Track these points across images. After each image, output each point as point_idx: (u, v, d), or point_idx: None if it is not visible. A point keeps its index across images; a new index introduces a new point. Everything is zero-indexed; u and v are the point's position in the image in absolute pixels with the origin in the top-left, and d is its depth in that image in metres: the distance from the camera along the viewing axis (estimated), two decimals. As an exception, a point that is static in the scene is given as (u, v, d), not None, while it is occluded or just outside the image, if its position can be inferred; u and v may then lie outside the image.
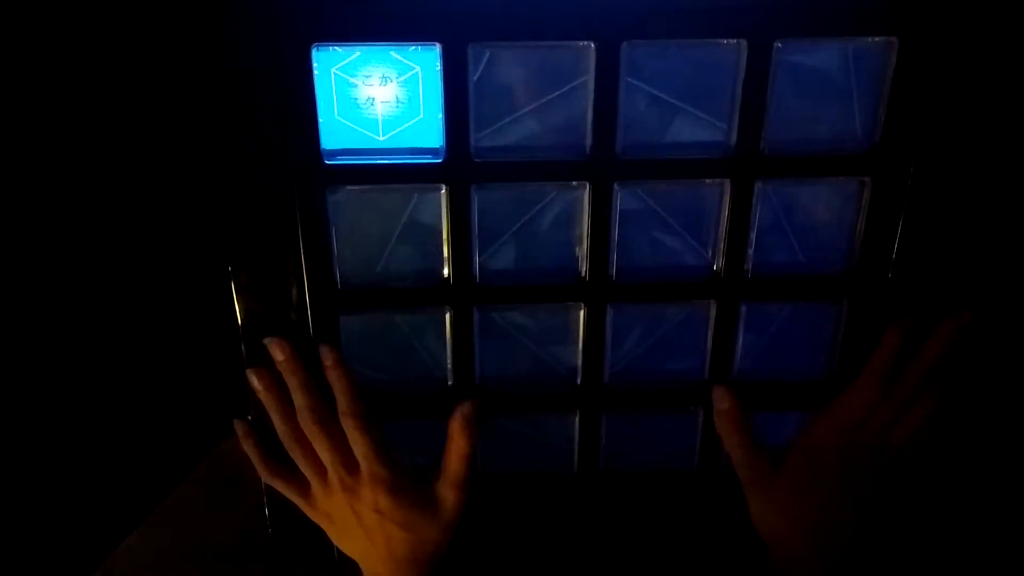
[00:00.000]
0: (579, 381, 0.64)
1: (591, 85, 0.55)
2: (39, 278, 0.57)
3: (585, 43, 0.54)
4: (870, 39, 0.55)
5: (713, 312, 0.62)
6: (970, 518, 0.70)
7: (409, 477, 0.59)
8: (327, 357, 0.59)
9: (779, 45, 0.54)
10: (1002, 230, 0.59)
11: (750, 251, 0.60)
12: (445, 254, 0.59)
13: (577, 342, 0.63)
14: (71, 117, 0.56)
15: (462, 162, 0.56)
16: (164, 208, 0.63)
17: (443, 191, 0.58)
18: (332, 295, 0.60)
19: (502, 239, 0.60)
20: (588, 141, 0.56)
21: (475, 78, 0.55)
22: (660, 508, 0.69)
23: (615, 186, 0.58)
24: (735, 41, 0.54)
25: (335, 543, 0.63)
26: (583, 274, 0.60)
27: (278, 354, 0.59)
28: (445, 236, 0.59)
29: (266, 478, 0.62)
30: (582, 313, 0.62)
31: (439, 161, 0.57)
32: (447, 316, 0.62)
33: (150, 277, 0.63)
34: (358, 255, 0.60)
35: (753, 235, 0.60)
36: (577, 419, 0.66)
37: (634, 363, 0.64)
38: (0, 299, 0.55)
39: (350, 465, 0.58)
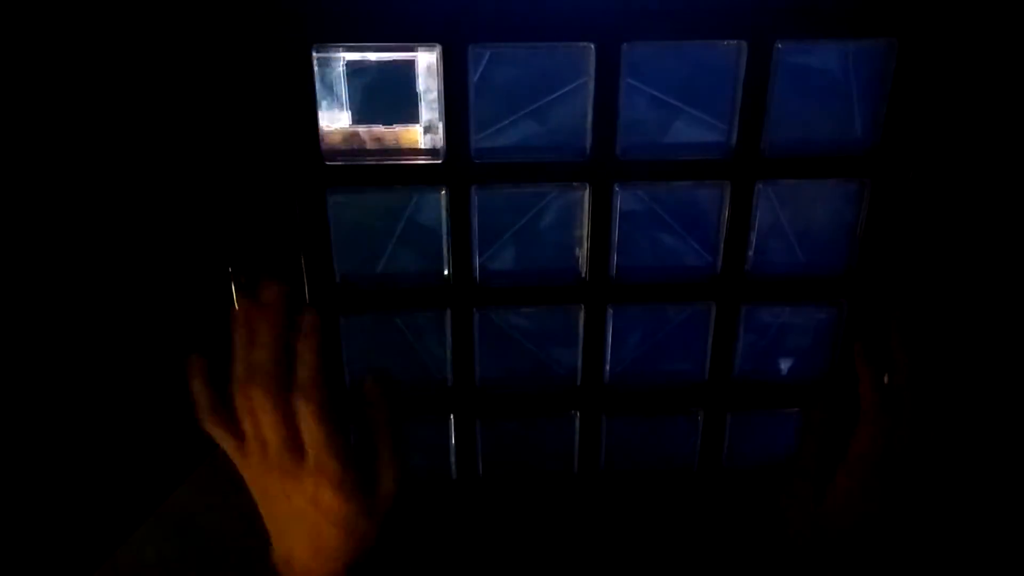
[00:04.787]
0: (579, 382, 0.64)
1: (591, 86, 0.55)
2: (39, 279, 0.57)
3: (585, 44, 0.54)
4: (870, 40, 0.55)
5: (713, 313, 0.62)
6: (969, 516, 0.70)
7: (354, 468, 0.53)
8: (307, 322, 0.52)
9: (779, 46, 0.54)
10: (1001, 230, 0.59)
11: (750, 252, 0.60)
12: (445, 255, 0.59)
13: (577, 343, 0.63)
14: (71, 118, 0.56)
15: (462, 163, 0.56)
16: (164, 209, 0.62)
17: (443, 192, 0.58)
18: (332, 295, 0.60)
19: (502, 240, 0.60)
20: (588, 142, 0.56)
21: (475, 79, 0.55)
22: (660, 508, 0.69)
23: (615, 187, 0.58)
24: (735, 42, 0.54)
25: (258, 508, 0.56)
26: (583, 275, 0.60)
27: (269, 294, 0.53)
28: (445, 237, 0.59)
29: (205, 423, 0.54)
30: (582, 314, 0.62)
31: (439, 162, 0.57)
32: (447, 317, 0.62)
33: (150, 278, 0.63)
34: (358, 256, 0.60)
35: (753, 236, 0.60)
36: (577, 420, 0.66)
37: (634, 364, 0.64)
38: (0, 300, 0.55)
39: (295, 449, 0.52)
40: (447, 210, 0.58)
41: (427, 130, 0.57)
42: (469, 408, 0.65)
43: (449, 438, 0.66)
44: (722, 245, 0.60)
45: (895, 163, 0.57)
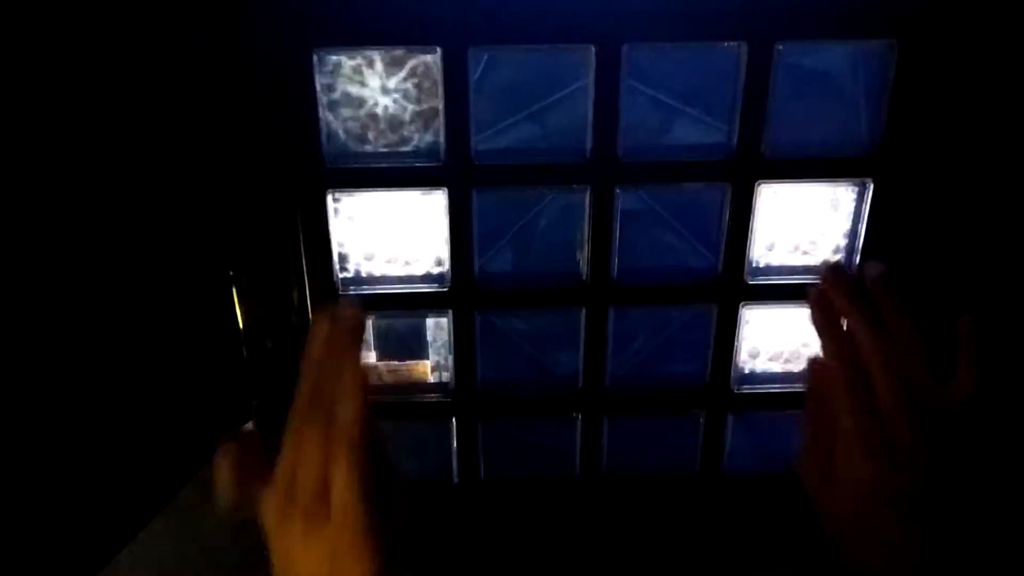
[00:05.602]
0: (581, 385, 0.64)
1: (591, 88, 0.55)
2: (42, 281, 0.58)
3: (585, 46, 0.54)
4: (871, 41, 0.55)
5: (715, 315, 0.62)
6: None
7: (378, 532, 0.49)
8: (352, 370, 0.48)
9: (780, 47, 0.54)
10: (1003, 231, 0.59)
11: (751, 254, 0.60)
12: (446, 257, 0.59)
13: (579, 345, 0.63)
14: (72, 119, 0.56)
15: (462, 165, 0.56)
16: (166, 212, 0.63)
17: (443, 194, 0.58)
18: (334, 298, 0.60)
19: (503, 242, 0.60)
20: (589, 144, 0.56)
21: (475, 81, 0.55)
22: (661, 511, 0.69)
23: (616, 189, 0.58)
24: (736, 43, 0.54)
25: (270, 546, 0.52)
26: (584, 277, 0.60)
27: (350, 321, 0.49)
28: (446, 239, 0.59)
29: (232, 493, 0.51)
30: (583, 316, 0.62)
31: (439, 164, 0.57)
32: (448, 320, 0.62)
33: (152, 280, 0.63)
34: (359, 258, 0.60)
35: (755, 237, 0.59)
36: (579, 423, 0.66)
37: (636, 366, 0.64)
38: (2, 302, 0.56)
39: (323, 499, 0.49)
40: (447, 213, 0.58)
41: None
42: (471, 411, 0.65)
43: (451, 442, 0.66)
44: (723, 247, 0.60)
45: (897, 165, 0.57)
